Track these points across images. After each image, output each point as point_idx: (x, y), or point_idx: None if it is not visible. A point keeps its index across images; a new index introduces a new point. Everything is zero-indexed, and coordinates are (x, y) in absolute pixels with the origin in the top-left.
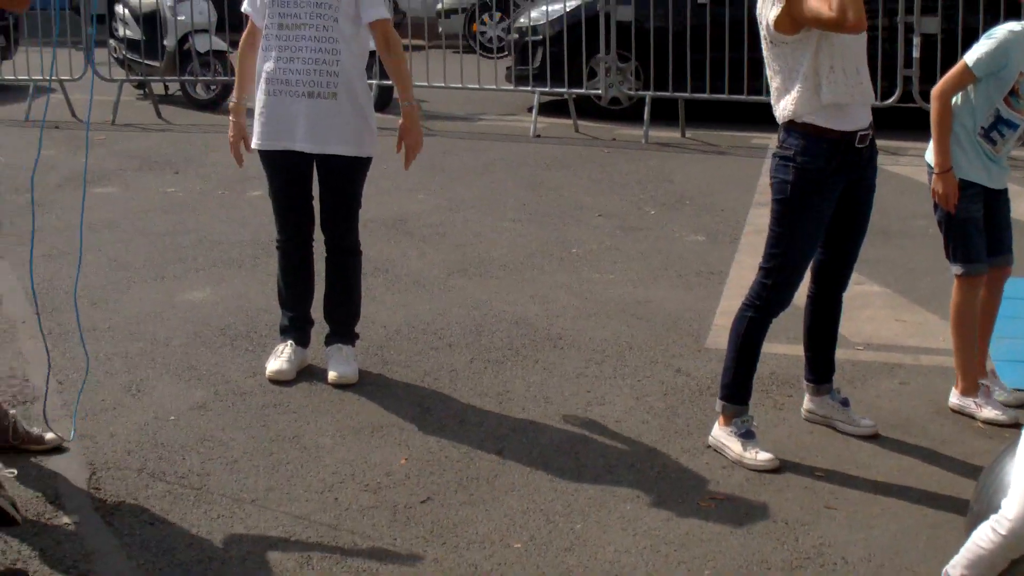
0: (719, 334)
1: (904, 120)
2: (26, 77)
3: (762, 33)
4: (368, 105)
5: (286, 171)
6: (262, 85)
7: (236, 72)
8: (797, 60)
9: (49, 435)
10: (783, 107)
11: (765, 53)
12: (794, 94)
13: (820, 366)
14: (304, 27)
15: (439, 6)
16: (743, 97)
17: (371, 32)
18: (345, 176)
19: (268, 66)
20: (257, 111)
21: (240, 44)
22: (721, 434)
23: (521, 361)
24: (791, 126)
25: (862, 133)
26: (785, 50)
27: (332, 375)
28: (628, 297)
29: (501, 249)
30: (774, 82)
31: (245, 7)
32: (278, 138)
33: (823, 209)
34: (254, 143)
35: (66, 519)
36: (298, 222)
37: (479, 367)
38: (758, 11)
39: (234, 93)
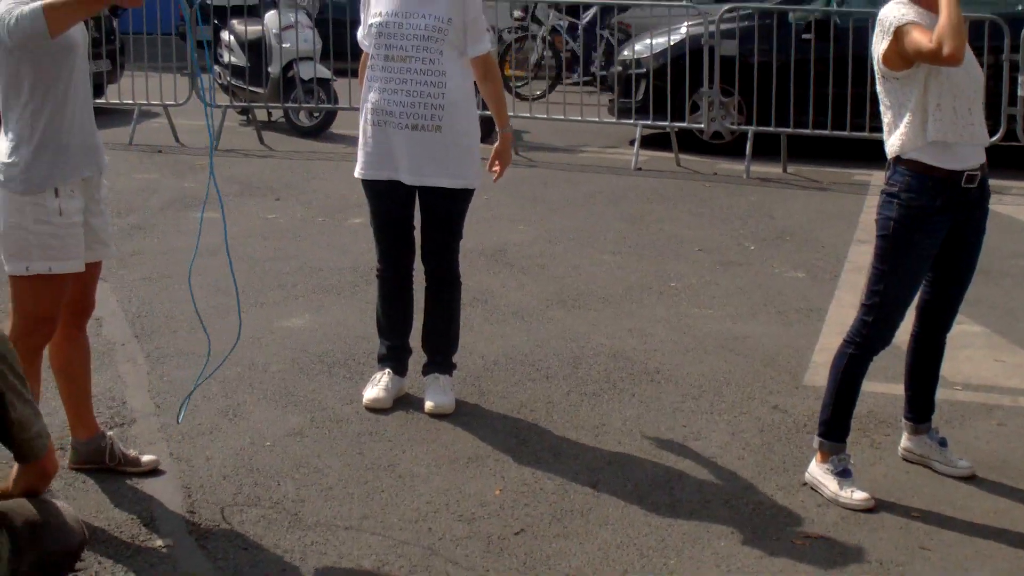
0: (817, 371)
1: (1007, 158)
2: (131, 101)
3: (874, 68)
4: (473, 137)
5: (388, 201)
6: (366, 115)
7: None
8: (906, 96)
9: (146, 457)
10: (891, 143)
11: (878, 88)
12: (901, 129)
13: (920, 406)
14: (410, 59)
15: None
16: (846, 133)
17: (472, 64)
18: (447, 208)
19: (372, 97)
20: (361, 141)
21: (359, 71)
22: (818, 471)
23: (618, 394)
24: (898, 162)
25: (970, 173)
26: (895, 85)
27: (429, 404)
28: (726, 332)
29: (600, 282)
30: (885, 117)
31: (359, 38)
32: (380, 168)
33: (926, 247)
34: (356, 172)
35: (160, 542)
36: (399, 252)
37: (576, 399)
38: (872, 47)
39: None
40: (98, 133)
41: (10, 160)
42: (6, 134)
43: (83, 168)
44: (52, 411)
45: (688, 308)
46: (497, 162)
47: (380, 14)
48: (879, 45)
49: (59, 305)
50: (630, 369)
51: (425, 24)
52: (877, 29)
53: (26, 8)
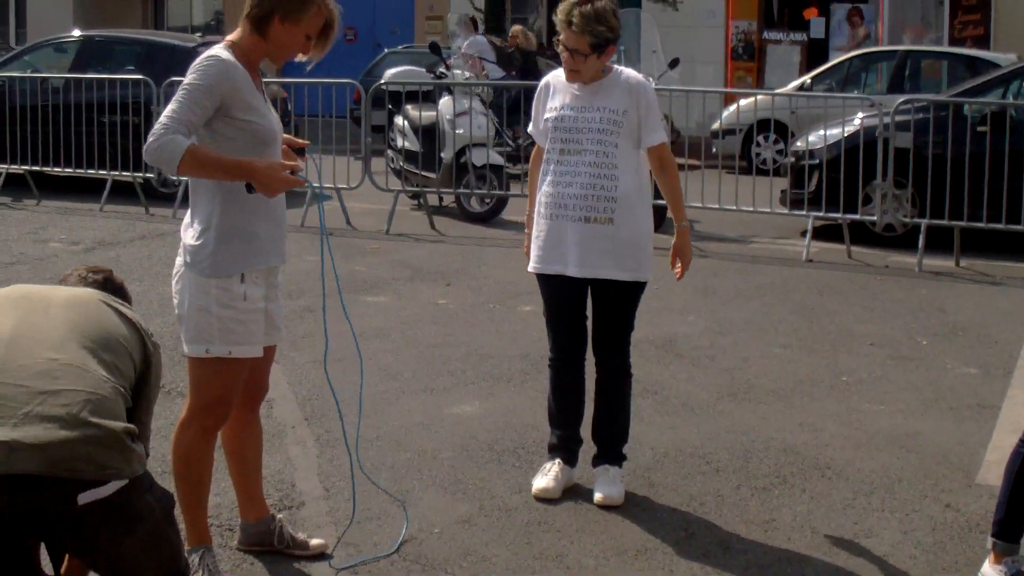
0: (990, 470)
1: None
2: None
3: None
4: (646, 230)
5: (560, 293)
6: (540, 208)
7: (529, 188)
8: None
9: (314, 541)
10: None
11: None
12: None
13: None
14: (584, 152)
15: (715, 126)
16: (1020, 227)
17: (647, 154)
18: (618, 300)
19: (546, 189)
20: (534, 233)
21: (530, 164)
22: (991, 572)
23: (788, 489)
24: None
25: None
26: None
27: (598, 496)
28: (898, 428)
29: (771, 374)
30: None
31: (531, 129)
32: (552, 261)
33: None
34: (530, 266)
35: None
36: (571, 342)
37: (745, 493)
38: None
39: (528, 205)
40: (285, 228)
41: (198, 243)
42: (194, 216)
43: (271, 257)
44: (221, 491)
45: (859, 403)
46: (678, 259)
47: (555, 108)
48: None
49: (236, 389)
50: (800, 464)
51: (600, 118)
52: None
53: (178, 139)
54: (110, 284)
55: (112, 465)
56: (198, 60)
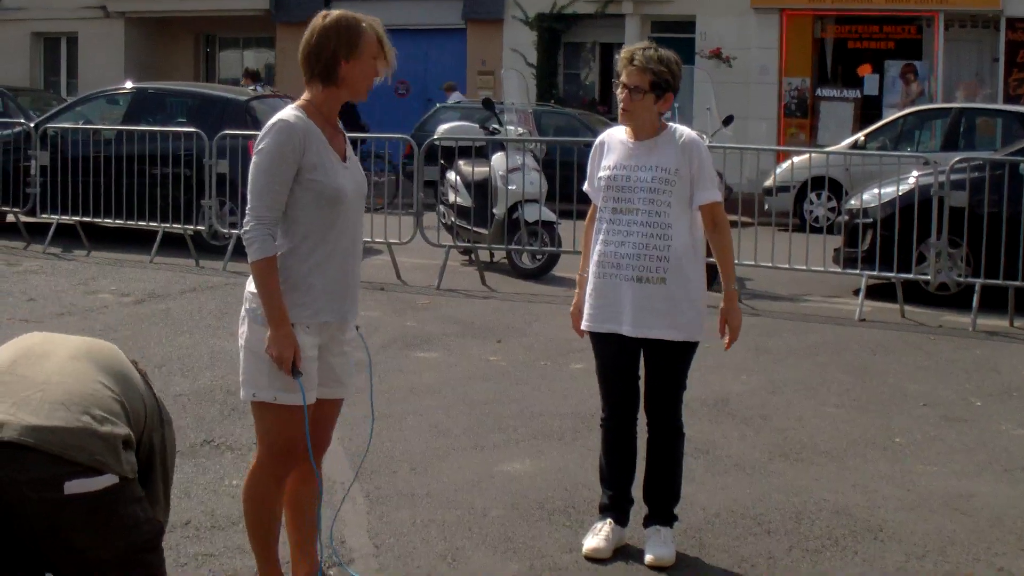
0: None
1: None
2: None
3: None
4: (699, 289)
5: (613, 352)
6: (593, 267)
7: (583, 246)
8: None
9: None
10: None
11: None
12: None
13: None
14: (636, 212)
15: (767, 183)
16: None
17: (701, 212)
18: (670, 360)
19: (599, 248)
20: (588, 291)
21: (586, 222)
22: None
23: (840, 552)
24: None
25: None
26: None
27: (649, 557)
28: (951, 490)
29: (823, 435)
30: None
31: (585, 187)
32: (605, 321)
33: None
34: (584, 324)
35: None
36: (623, 401)
37: (797, 556)
38: None
39: (581, 265)
40: (357, 286)
41: (254, 289)
42: None
43: (324, 313)
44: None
45: (912, 464)
46: (726, 325)
47: (608, 167)
48: None
49: (294, 437)
50: (853, 526)
51: (652, 176)
52: None
53: (267, 244)
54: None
55: (105, 459)
56: (267, 126)
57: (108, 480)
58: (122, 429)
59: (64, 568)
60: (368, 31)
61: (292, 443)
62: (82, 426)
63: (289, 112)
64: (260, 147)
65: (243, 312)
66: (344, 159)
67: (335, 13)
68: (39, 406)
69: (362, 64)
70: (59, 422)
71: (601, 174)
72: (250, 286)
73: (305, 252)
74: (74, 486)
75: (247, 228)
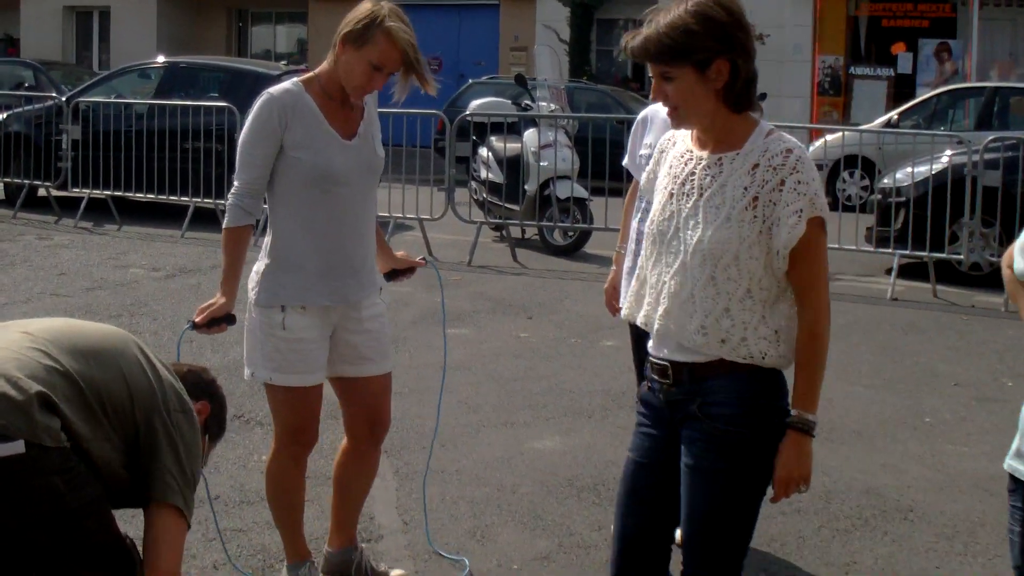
0: None
1: None
2: (386, 214)
3: None
4: None
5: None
6: (631, 245)
7: (622, 223)
8: None
9: (394, 572)
10: None
11: None
12: None
13: None
14: None
15: None
16: None
17: None
18: None
19: (636, 225)
20: (625, 269)
21: (627, 197)
22: None
23: (870, 532)
24: None
25: None
26: None
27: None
28: (982, 471)
29: (854, 415)
30: None
31: (625, 162)
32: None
33: None
34: (623, 312)
35: None
36: None
37: (827, 535)
38: None
39: (620, 241)
40: (363, 267)
41: (253, 270)
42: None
43: (319, 296)
44: (313, 517)
45: (943, 444)
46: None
47: (650, 145)
48: None
49: (305, 417)
50: (883, 506)
51: None
52: None
53: (238, 214)
54: (191, 376)
55: (9, 422)
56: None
57: (13, 448)
58: (35, 386)
59: None
60: (383, 37)
61: (302, 422)
62: None
63: (281, 85)
64: (247, 126)
65: None
66: (351, 136)
67: (386, 4)
68: None
69: (356, 60)
70: None
71: (643, 152)
72: (255, 266)
73: (294, 233)
74: None
75: (228, 197)
